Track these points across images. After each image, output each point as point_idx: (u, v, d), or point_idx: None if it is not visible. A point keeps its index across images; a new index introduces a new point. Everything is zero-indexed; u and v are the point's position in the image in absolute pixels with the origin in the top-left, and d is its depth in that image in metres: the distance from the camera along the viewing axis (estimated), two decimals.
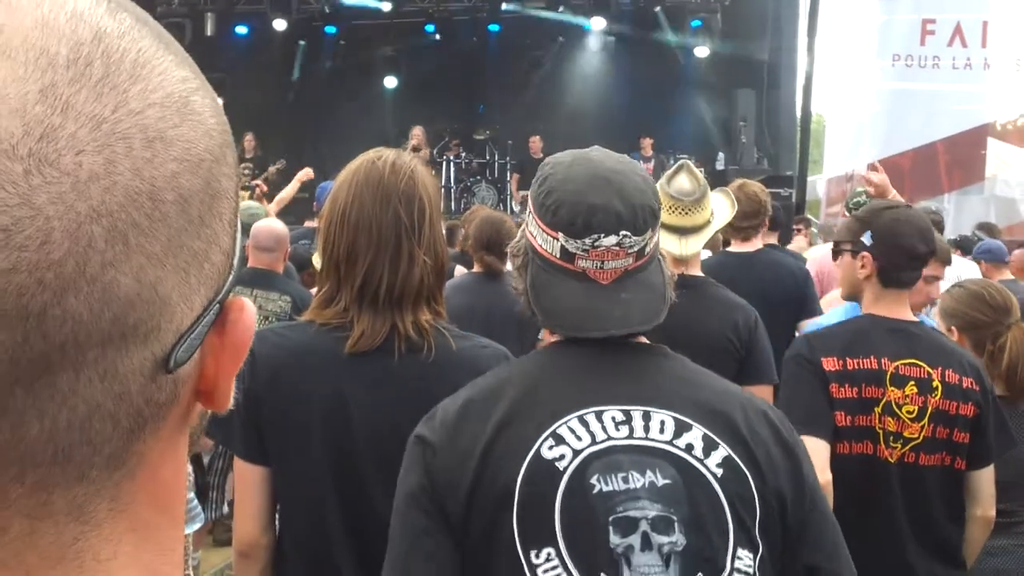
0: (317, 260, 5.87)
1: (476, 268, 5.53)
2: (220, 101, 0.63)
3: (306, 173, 9.40)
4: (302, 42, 18.96)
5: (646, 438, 1.74)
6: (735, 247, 5.60)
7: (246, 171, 13.79)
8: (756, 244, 5.68)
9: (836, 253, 3.42)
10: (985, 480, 3.22)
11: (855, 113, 17.76)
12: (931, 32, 16.53)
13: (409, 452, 1.81)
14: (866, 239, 3.28)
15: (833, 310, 4.63)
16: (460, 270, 6.64)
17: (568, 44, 18.80)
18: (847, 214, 8.02)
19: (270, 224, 5.71)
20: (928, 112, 16.14)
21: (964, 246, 9.47)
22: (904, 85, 16.49)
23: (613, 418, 1.76)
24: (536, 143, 16.84)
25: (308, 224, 7.91)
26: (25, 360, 0.50)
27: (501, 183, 17.58)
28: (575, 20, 18.07)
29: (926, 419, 3.10)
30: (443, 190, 17.07)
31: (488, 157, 18.16)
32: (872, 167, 5.43)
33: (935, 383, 3.11)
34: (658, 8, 17.69)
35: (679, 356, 1.95)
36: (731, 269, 5.20)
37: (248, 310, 0.63)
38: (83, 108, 0.51)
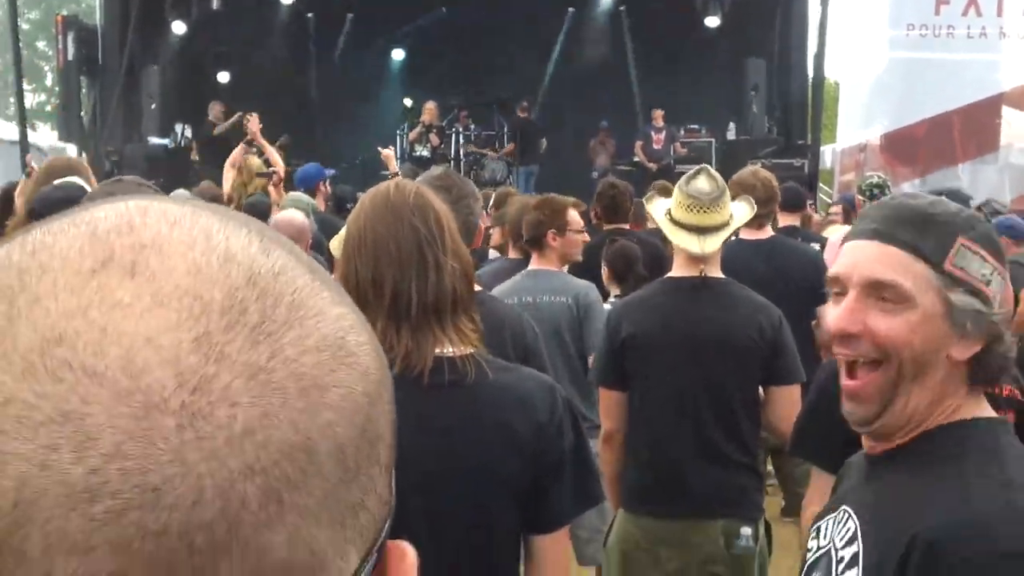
0: (334, 245, 5.81)
1: (514, 254, 5.47)
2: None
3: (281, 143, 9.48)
4: (310, 15, 18.79)
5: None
6: (747, 234, 5.53)
7: (254, 150, 13.71)
8: (768, 231, 5.69)
9: None
10: None
11: (868, 83, 17.61)
12: (945, 1, 16.36)
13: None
14: None
15: None
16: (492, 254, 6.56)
17: (578, 14, 18.64)
18: (860, 198, 7.94)
19: (291, 216, 5.51)
20: (942, 82, 15.99)
21: None
22: (918, 55, 16.33)
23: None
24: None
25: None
26: None
27: (536, 155, 17.40)
28: None
29: None
30: (451, 162, 16.98)
31: (497, 129, 18.03)
32: None
33: None
34: None
35: None
36: (744, 258, 5.13)
37: (409, 559, 0.60)
38: (238, 357, 0.50)
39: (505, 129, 17.65)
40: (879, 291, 1.65)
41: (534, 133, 16.80)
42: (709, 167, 4.11)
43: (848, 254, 1.72)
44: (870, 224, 1.71)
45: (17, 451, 0.46)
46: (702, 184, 3.91)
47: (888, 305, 1.64)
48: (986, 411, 1.73)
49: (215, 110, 15.48)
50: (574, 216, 5.04)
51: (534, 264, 4.98)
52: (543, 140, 16.92)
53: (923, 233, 1.65)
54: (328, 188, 8.11)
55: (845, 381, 1.70)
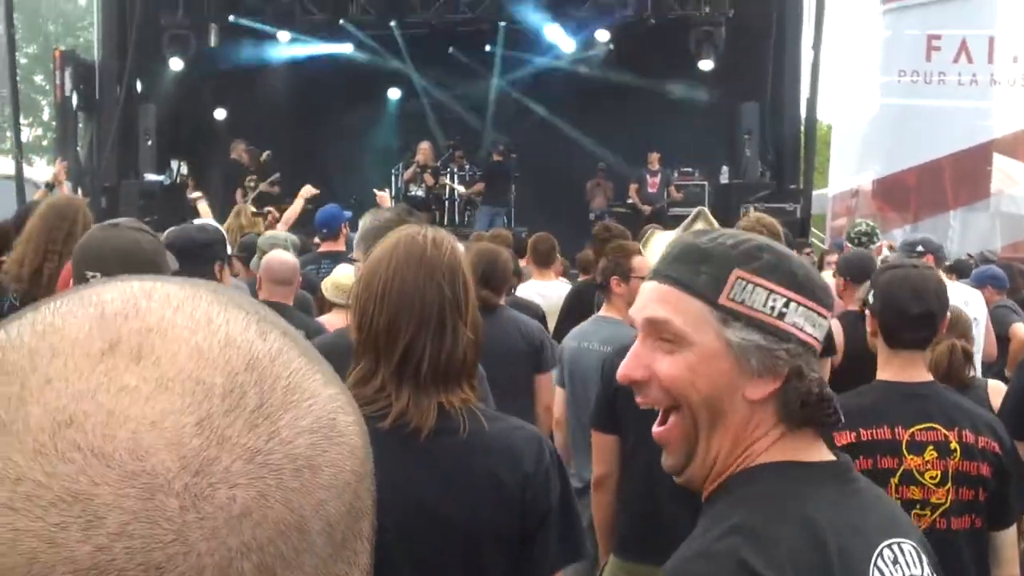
0: (326, 286, 5.83)
1: None
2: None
3: (308, 190, 9.36)
4: (306, 53, 18.86)
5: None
6: None
7: (251, 183, 13.69)
8: None
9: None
10: (1008, 541, 3.19)
11: (860, 128, 17.74)
12: (937, 48, 16.54)
13: None
14: (870, 298, 3.26)
15: None
16: None
17: (572, 56, 18.72)
18: (849, 245, 7.99)
19: (283, 256, 5.56)
20: (934, 128, 16.13)
21: (960, 269, 9.34)
22: (910, 101, 16.48)
23: (893, 556, 1.57)
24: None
25: (323, 249, 7.79)
26: None
27: (505, 198, 17.46)
28: (577, 36, 17.99)
29: (950, 482, 3.06)
30: (446, 203, 17.04)
31: None
32: None
33: (953, 445, 3.07)
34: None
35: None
36: None
37: None
38: (238, 440, 0.53)
39: (471, 170, 17.71)
40: (658, 331, 1.57)
41: (504, 176, 16.81)
42: (706, 211, 4.14)
43: (637, 298, 1.67)
44: (655, 265, 1.66)
45: (28, 528, 0.49)
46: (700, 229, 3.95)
47: (668, 345, 1.56)
48: (801, 455, 1.60)
49: (238, 149, 15.42)
50: (640, 262, 5.04)
51: (602, 311, 5.09)
52: (512, 186, 16.94)
53: (697, 269, 1.57)
54: (347, 230, 8.13)
55: (654, 428, 1.63)
